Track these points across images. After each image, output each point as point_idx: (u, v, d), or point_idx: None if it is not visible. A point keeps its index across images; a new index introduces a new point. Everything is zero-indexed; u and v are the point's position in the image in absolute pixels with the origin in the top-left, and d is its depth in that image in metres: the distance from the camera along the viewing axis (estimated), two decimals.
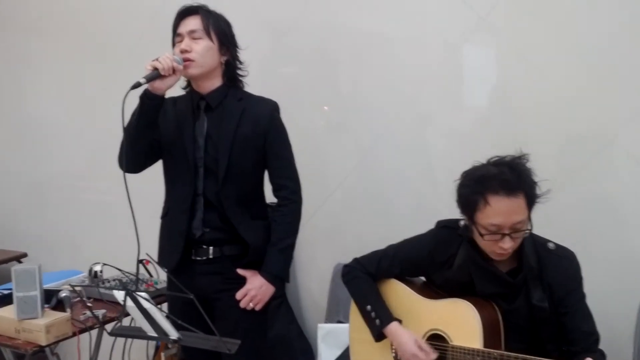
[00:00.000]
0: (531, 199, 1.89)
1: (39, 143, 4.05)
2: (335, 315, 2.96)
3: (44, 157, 4.05)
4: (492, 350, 1.93)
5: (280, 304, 3.14)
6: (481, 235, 1.90)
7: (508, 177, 1.86)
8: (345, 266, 2.29)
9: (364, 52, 2.95)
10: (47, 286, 2.51)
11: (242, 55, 2.38)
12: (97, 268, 2.70)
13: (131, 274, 2.73)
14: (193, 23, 2.24)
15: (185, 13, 2.27)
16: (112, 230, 3.65)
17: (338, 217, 3.12)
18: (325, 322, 2.93)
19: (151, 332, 1.78)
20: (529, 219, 1.91)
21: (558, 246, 2.02)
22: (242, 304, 2.28)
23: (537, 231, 2.05)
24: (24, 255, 3.92)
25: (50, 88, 3.98)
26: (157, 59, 2.15)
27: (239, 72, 2.35)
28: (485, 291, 2.02)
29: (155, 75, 2.14)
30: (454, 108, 2.78)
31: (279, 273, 2.34)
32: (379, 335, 2.14)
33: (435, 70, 2.77)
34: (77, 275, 2.87)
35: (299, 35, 3.09)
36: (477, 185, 1.89)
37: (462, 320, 2.01)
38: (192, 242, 2.30)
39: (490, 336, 1.98)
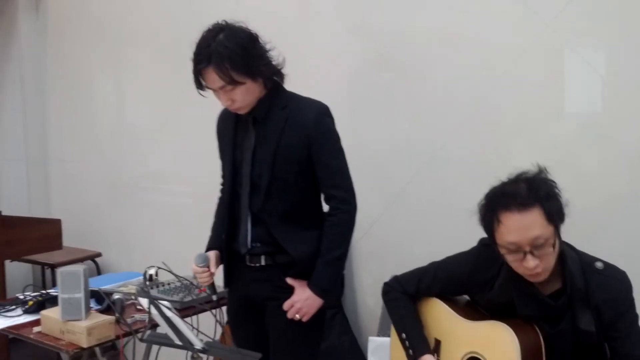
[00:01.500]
0: (550, 213, 1.76)
1: (122, 146, 4.23)
2: (388, 328, 2.88)
3: (127, 159, 4.23)
4: None
5: (335, 315, 3.12)
6: (503, 255, 1.81)
7: (518, 190, 1.77)
8: (385, 284, 2.23)
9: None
10: (101, 288, 2.61)
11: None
12: (152, 271, 2.77)
13: (185, 279, 2.80)
14: (215, 80, 2.13)
15: (199, 68, 2.14)
16: (183, 233, 3.75)
17: (397, 229, 3.05)
18: (378, 335, 2.88)
19: (177, 341, 1.80)
20: (557, 234, 1.79)
21: (607, 265, 1.89)
22: (288, 315, 2.27)
23: (596, 247, 1.95)
24: (98, 254, 4.11)
25: (138, 94, 4.15)
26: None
27: (278, 76, 2.27)
28: (526, 313, 1.91)
29: (212, 289, 2.35)
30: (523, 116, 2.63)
31: (326, 286, 2.28)
32: None
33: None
34: (137, 278, 2.96)
35: (370, 38, 3.03)
36: (490, 203, 1.82)
37: (500, 345, 1.91)
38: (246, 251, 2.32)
39: None
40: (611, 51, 2.43)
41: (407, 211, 3.01)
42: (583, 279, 1.86)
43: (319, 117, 2.26)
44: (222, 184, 2.47)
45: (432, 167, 2.90)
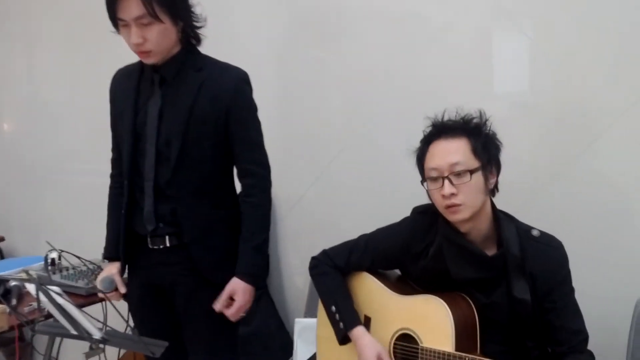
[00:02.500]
0: (476, 145, 1.75)
1: (28, 123, 3.91)
2: (315, 309, 2.73)
3: (32, 138, 3.91)
4: (463, 355, 1.70)
5: (260, 297, 2.94)
6: (428, 191, 1.79)
7: (452, 121, 1.80)
8: (313, 258, 2.07)
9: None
10: None
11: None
12: (53, 255, 2.51)
13: (92, 262, 2.55)
14: (135, 7, 1.89)
15: None
16: (93, 214, 3.47)
17: (323, 206, 2.90)
18: (305, 317, 2.71)
19: (73, 331, 1.57)
20: (483, 174, 1.75)
21: (543, 234, 1.80)
22: (233, 319, 2.07)
23: (528, 218, 1.86)
24: (1, 239, 3.78)
25: (49, 68, 3.84)
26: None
27: (197, 31, 2.06)
28: (460, 275, 1.79)
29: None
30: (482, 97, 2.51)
31: (256, 271, 2.12)
32: (343, 339, 1.93)
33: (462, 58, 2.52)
34: (39, 263, 2.68)
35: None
36: (426, 136, 1.83)
37: (433, 320, 1.78)
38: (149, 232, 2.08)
39: (464, 337, 1.75)
40: (537, 30, 2.37)
41: (335, 186, 2.87)
42: (519, 246, 1.76)
43: (239, 84, 2.05)
44: (114, 166, 2.22)
45: (361, 142, 2.76)
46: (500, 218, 1.79)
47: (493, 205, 1.81)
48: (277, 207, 3.01)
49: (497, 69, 2.48)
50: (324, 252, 2.04)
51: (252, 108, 2.10)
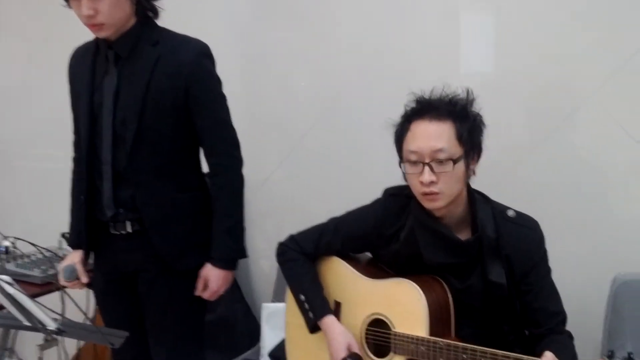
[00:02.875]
0: (461, 130, 1.65)
1: None
2: (283, 293, 2.65)
3: None
4: (438, 340, 1.65)
5: None
6: (405, 174, 1.69)
7: (438, 101, 1.69)
8: (280, 244, 1.99)
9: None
10: None
11: None
12: (7, 243, 2.38)
13: (48, 250, 2.43)
14: None
15: None
16: (51, 200, 3.34)
17: (290, 187, 2.82)
18: (273, 302, 2.65)
19: (26, 322, 1.47)
20: (464, 162, 1.66)
21: (519, 214, 1.75)
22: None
23: (503, 198, 1.81)
24: None
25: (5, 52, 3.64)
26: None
27: (154, 3, 1.95)
28: (433, 260, 1.73)
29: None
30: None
31: (229, 255, 2.02)
32: (313, 328, 1.86)
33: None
34: None
35: None
36: (408, 112, 1.72)
37: (406, 304, 1.72)
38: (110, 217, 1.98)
39: (437, 321, 1.70)
40: (499, 12, 2.34)
41: (302, 167, 2.80)
42: (494, 227, 1.71)
43: (198, 57, 1.94)
44: (75, 149, 2.11)
45: (330, 120, 2.68)
46: (475, 200, 1.74)
47: (469, 187, 1.75)
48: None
49: (464, 48, 2.44)
50: (292, 238, 1.97)
51: (215, 82, 1.99)
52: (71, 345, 2.29)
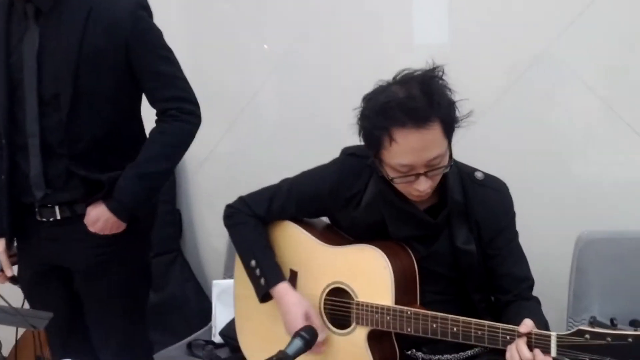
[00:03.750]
0: (449, 126, 1.46)
1: None
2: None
3: None
4: (405, 308, 1.54)
5: (174, 260, 2.71)
6: (391, 179, 1.49)
7: (417, 102, 1.41)
8: (228, 206, 1.81)
9: None
10: None
11: None
12: None
13: None
14: None
15: None
16: None
17: (238, 158, 2.67)
18: (224, 278, 2.50)
19: None
20: (449, 149, 1.50)
21: (487, 176, 1.63)
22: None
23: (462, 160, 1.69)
24: None
25: None
26: None
27: None
28: (399, 234, 1.61)
29: (14, 281, 1.83)
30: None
31: (129, 202, 1.76)
32: (264, 297, 1.71)
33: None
34: None
35: None
36: (379, 117, 1.44)
37: (369, 272, 1.60)
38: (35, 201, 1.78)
39: (403, 289, 1.58)
40: None
41: (249, 136, 2.65)
42: (462, 192, 1.59)
43: (135, 9, 1.75)
44: None
45: (276, 85, 2.57)
46: None
47: None
48: (186, 164, 2.77)
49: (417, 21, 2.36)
50: (241, 199, 1.80)
51: (156, 35, 1.80)
52: (8, 334, 2.10)
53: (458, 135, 2.20)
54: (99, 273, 1.81)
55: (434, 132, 1.42)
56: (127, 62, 1.75)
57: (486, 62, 2.23)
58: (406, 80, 1.47)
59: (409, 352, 1.67)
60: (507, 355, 1.38)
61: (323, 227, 1.81)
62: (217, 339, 2.32)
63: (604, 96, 2.09)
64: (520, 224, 2.03)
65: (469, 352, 1.66)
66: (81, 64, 1.70)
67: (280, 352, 1.47)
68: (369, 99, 1.49)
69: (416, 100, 1.41)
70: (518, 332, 1.37)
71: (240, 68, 2.63)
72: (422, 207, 1.60)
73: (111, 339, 1.87)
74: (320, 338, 1.60)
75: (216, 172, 2.72)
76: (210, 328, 2.39)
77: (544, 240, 2.17)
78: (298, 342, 1.53)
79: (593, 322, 1.33)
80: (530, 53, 2.15)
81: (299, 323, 1.60)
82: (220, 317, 2.34)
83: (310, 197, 1.72)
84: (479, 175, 1.61)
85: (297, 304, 1.64)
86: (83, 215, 1.76)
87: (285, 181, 1.77)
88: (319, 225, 1.81)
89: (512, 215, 1.63)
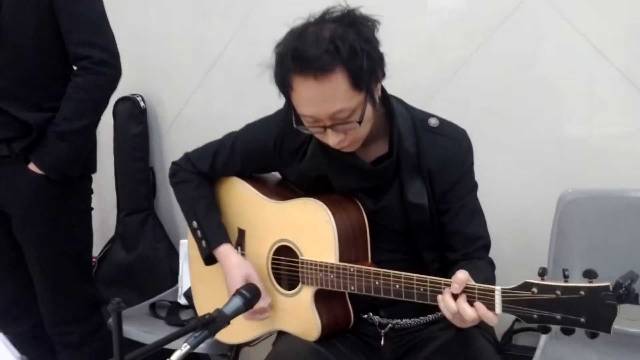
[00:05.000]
0: (357, 75, 1.28)
1: None
2: None
3: None
4: (347, 265, 1.42)
5: (146, 219, 2.61)
6: (303, 128, 1.37)
7: (319, 49, 1.25)
8: (173, 164, 1.73)
9: None
10: None
11: None
12: None
13: None
14: None
15: None
16: None
17: (208, 114, 2.54)
18: None
19: None
20: (370, 101, 1.33)
21: (443, 123, 1.49)
22: None
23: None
24: None
25: None
26: None
27: None
28: (342, 187, 1.49)
29: None
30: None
31: (54, 162, 1.76)
32: (207, 259, 1.61)
33: None
34: None
35: None
36: (281, 62, 1.31)
37: (313, 227, 1.49)
38: None
39: (350, 246, 1.47)
40: None
41: (218, 91, 2.51)
42: (414, 140, 1.45)
43: None
44: None
45: (246, 35, 2.42)
46: (393, 112, 1.45)
47: (384, 96, 1.45)
48: (159, 121, 2.68)
49: None
50: (185, 156, 1.71)
51: None
52: None
53: (434, 89, 2.09)
54: (35, 217, 1.78)
55: (335, 83, 1.27)
56: (50, 1, 1.70)
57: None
58: (322, 19, 1.32)
59: (366, 316, 1.56)
60: (440, 307, 1.26)
61: (273, 182, 1.70)
62: (182, 300, 2.22)
63: (597, 45, 1.91)
64: (500, 183, 1.89)
65: (430, 317, 1.56)
66: (3, 3, 1.65)
67: (217, 310, 1.37)
68: (281, 41, 1.34)
69: (318, 46, 1.26)
70: (452, 283, 1.23)
71: (210, 22, 2.50)
72: (370, 157, 1.47)
73: (48, 289, 1.85)
74: (263, 304, 1.50)
75: (190, 129, 2.61)
76: (177, 289, 2.30)
77: (525, 201, 2.05)
78: (237, 301, 1.44)
79: (542, 274, 1.17)
80: None
81: (238, 286, 1.49)
82: (186, 277, 2.24)
83: (255, 151, 1.60)
84: (433, 121, 1.47)
85: (237, 265, 1.55)
86: (22, 154, 1.74)
87: (230, 135, 1.66)
88: (270, 180, 1.71)
89: (468, 165, 1.48)
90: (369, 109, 1.34)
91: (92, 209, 1.99)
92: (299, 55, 1.27)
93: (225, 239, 1.59)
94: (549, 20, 1.95)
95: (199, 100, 2.58)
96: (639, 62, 1.89)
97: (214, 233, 1.59)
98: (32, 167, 1.77)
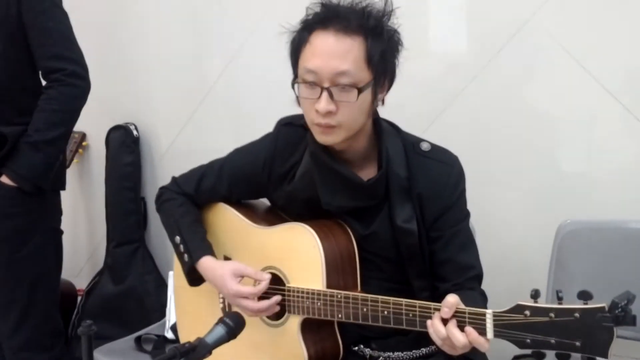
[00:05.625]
0: (373, 52, 1.32)
1: None
2: None
3: None
4: (335, 292, 1.37)
5: (136, 251, 2.56)
6: (298, 95, 1.36)
7: (350, 13, 1.33)
8: (160, 188, 1.69)
9: None
10: None
11: None
12: None
13: None
14: None
15: None
16: None
17: (198, 147, 2.51)
18: None
19: None
20: (372, 91, 1.34)
21: (435, 148, 1.45)
22: None
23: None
24: None
25: None
26: None
27: None
28: (332, 204, 1.44)
29: None
30: None
31: (26, 173, 1.77)
32: (190, 273, 1.54)
33: None
34: None
35: None
36: (310, 19, 1.36)
37: (300, 253, 1.43)
38: None
39: (338, 272, 1.41)
40: None
41: (215, 116, 2.49)
42: (405, 164, 1.42)
43: None
44: None
45: (237, 72, 2.43)
46: (383, 132, 1.43)
47: (376, 117, 1.45)
48: (152, 151, 2.67)
49: None
50: (173, 179, 1.67)
51: None
52: None
53: (431, 118, 2.06)
54: (4, 230, 1.78)
55: (352, 44, 1.31)
56: (19, 16, 1.72)
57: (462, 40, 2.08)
58: (357, 3, 1.36)
59: (356, 348, 1.50)
60: (430, 333, 1.20)
61: (261, 208, 1.65)
62: (170, 334, 2.15)
63: (597, 76, 1.88)
64: (499, 214, 1.85)
65: (424, 350, 1.49)
66: None
67: (198, 339, 1.31)
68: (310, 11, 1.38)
69: (352, 9, 1.33)
70: (445, 306, 1.18)
71: (204, 54, 2.51)
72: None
73: (11, 308, 1.83)
74: (262, 287, 1.43)
75: (183, 159, 2.55)
76: (165, 322, 2.23)
77: (523, 231, 2.00)
78: (220, 330, 1.35)
79: (535, 296, 1.11)
80: (508, 27, 1.97)
81: (231, 285, 1.44)
82: (174, 310, 2.17)
83: (243, 175, 1.56)
84: (424, 146, 1.44)
85: (221, 268, 1.48)
86: None
87: (217, 160, 1.62)
88: (257, 206, 1.65)
89: (460, 192, 1.44)
90: (367, 95, 1.33)
91: (62, 231, 1.98)
92: (333, 10, 1.33)
93: (209, 251, 1.52)
94: (549, 53, 1.94)
95: (191, 130, 2.56)
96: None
97: (197, 246, 1.52)
98: (4, 179, 1.77)
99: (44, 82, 1.83)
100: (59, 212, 1.96)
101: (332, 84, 1.30)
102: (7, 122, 1.76)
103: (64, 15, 1.80)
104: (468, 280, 1.38)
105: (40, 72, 1.82)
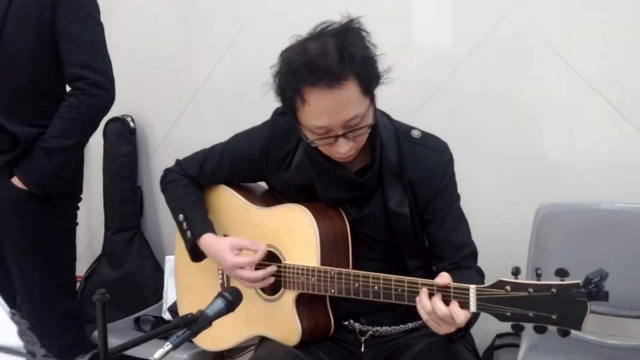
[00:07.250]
0: (366, 82, 1.34)
1: None
2: None
3: None
4: (328, 268, 1.46)
5: (132, 238, 2.64)
6: (309, 141, 1.40)
7: (329, 60, 1.30)
8: (165, 169, 1.77)
9: None
10: None
11: None
12: None
13: None
14: None
15: None
16: None
17: (192, 137, 2.59)
18: None
19: None
20: (373, 106, 1.40)
21: (425, 135, 1.54)
22: None
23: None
24: None
25: None
26: None
27: None
28: (328, 195, 1.53)
29: None
30: None
31: (37, 178, 1.78)
32: (192, 249, 1.63)
33: None
34: None
35: None
36: (290, 76, 1.33)
37: (295, 231, 1.52)
38: None
39: (332, 251, 1.50)
40: None
41: (212, 105, 2.57)
42: (397, 151, 1.50)
43: None
44: None
45: (238, 51, 2.48)
46: (377, 123, 1.48)
47: None
48: (147, 140, 2.73)
49: None
50: (177, 162, 1.75)
51: (86, 3, 1.80)
52: None
53: (417, 104, 2.15)
54: (14, 229, 1.80)
55: (349, 90, 1.31)
56: (51, 21, 1.74)
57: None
58: (320, 34, 1.36)
59: (346, 323, 1.59)
60: (417, 308, 1.29)
61: (259, 191, 1.74)
62: (167, 315, 2.24)
63: (576, 67, 1.97)
64: (480, 195, 1.94)
65: (410, 325, 1.59)
66: (8, 15, 1.71)
67: (200, 311, 1.39)
68: (283, 57, 1.38)
69: (328, 56, 1.30)
70: (436, 285, 1.27)
71: (199, 46, 2.58)
72: (354, 168, 1.51)
73: (25, 299, 1.86)
74: (257, 256, 1.52)
75: (178, 150, 2.62)
76: (162, 305, 2.32)
77: (506, 214, 2.09)
78: (219, 303, 1.44)
79: (516, 272, 1.20)
80: (493, 17, 2.05)
81: (230, 258, 1.53)
82: (171, 292, 2.26)
83: (242, 159, 1.64)
84: (415, 133, 1.52)
85: (222, 245, 1.57)
86: (6, 168, 1.77)
87: (218, 144, 1.71)
88: (256, 189, 1.74)
89: (450, 176, 1.52)
90: (371, 110, 1.39)
91: (75, 225, 2.00)
92: (312, 67, 1.29)
93: (210, 229, 1.61)
94: (528, 44, 2.02)
95: (185, 122, 2.63)
96: (619, 84, 1.95)
97: (199, 223, 1.61)
98: (15, 181, 1.79)
99: (68, 89, 1.85)
100: (70, 212, 1.96)
101: (344, 130, 1.35)
102: (25, 123, 1.77)
103: (99, 25, 1.82)
104: (464, 258, 1.47)
105: (65, 79, 1.83)
